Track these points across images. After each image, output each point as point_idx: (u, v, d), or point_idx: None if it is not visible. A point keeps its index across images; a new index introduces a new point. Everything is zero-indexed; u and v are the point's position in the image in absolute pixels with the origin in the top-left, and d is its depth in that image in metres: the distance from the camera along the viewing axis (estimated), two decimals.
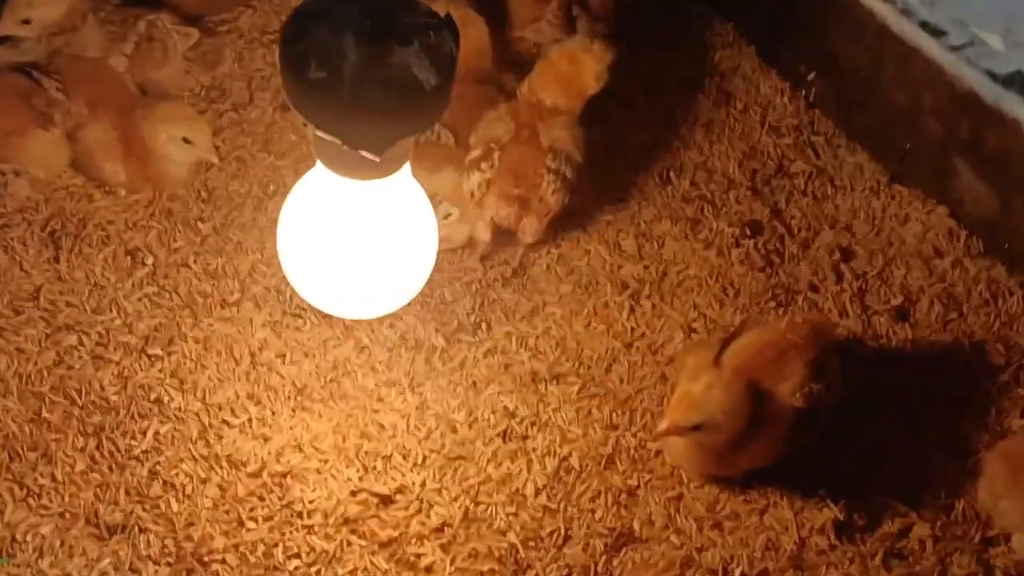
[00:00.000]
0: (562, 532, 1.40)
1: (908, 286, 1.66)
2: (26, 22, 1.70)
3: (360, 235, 1.28)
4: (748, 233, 1.71)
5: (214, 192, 1.69)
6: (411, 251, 1.33)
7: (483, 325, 1.59)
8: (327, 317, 1.55)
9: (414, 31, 1.10)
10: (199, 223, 1.66)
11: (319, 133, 1.12)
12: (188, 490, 1.39)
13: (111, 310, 1.55)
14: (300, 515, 1.38)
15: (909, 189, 1.77)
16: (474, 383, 1.53)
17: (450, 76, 1.14)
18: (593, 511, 1.42)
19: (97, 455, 1.41)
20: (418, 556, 1.36)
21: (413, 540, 1.37)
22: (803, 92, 1.89)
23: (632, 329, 1.60)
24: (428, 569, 1.35)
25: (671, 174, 1.78)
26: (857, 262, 1.69)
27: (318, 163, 1.26)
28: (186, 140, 1.64)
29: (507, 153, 1.59)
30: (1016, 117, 1.59)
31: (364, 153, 1.11)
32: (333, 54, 1.08)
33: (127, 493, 1.38)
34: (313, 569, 1.34)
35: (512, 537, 1.39)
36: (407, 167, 1.27)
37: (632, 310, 1.62)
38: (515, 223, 1.61)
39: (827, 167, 1.81)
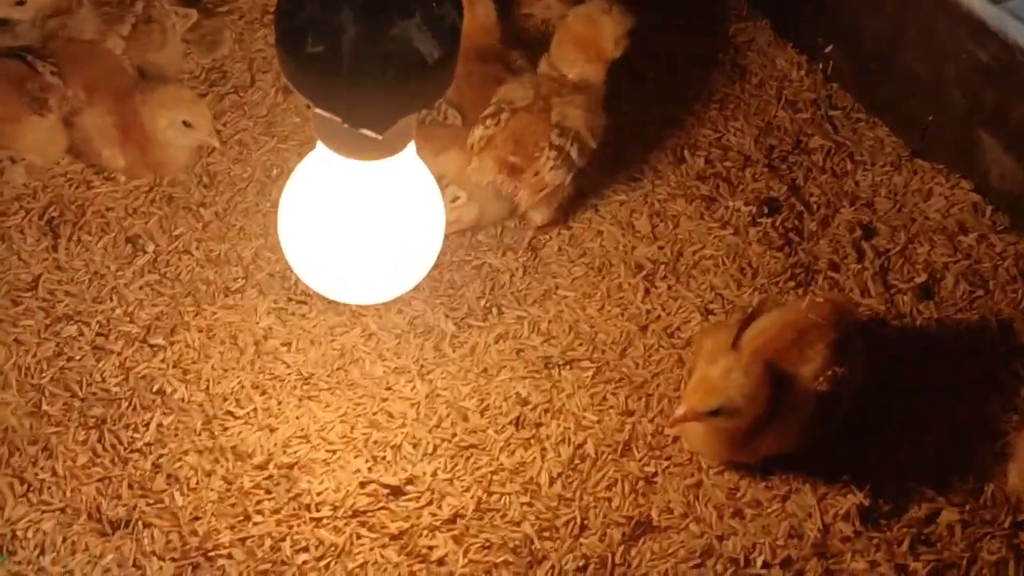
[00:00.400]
0: (578, 522, 1.36)
1: (932, 263, 1.61)
2: (20, 4, 1.66)
3: (364, 218, 1.23)
4: (766, 211, 1.66)
5: (216, 177, 1.65)
6: (417, 234, 1.29)
7: (494, 310, 1.55)
8: (333, 304, 1.51)
9: (415, 2, 1.05)
10: (201, 209, 1.62)
11: (318, 111, 1.08)
12: (193, 483, 1.35)
13: (112, 299, 1.51)
14: (308, 508, 1.34)
15: (932, 164, 1.72)
16: (485, 369, 1.49)
17: (454, 49, 1.09)
18: (610, 500, 1.38)
19: (99, 448, 1.37)
20: (430, 548, 1.32)
21: (424, 532, 1.33)
22: (820, 65, 1.84)
23: (647, 312, 1.55)
24: (440, 561, 1.31)
25: (685, 152, 1.73)
26: (879, 239, 1.64)
27: (319, 144, 1.21)
28: (186, 124, 1.60)
29: (515, 119, 1.55)
30: None
31: (365, 131, 1.06)
32: (330, 28, 1.03)
33: (130, 487, 1.34)
34: (322, 563, 1.30)
35: (527, 528, 1.35)
36: (411, 147, 1.22)
37: (647, 292, 1.57)
38: (512, 192, 1.56)
39: (846, 142, 1.76)
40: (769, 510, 1.38)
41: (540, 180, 1.55)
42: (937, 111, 1.70)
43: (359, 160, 1.17)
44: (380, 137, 1.08)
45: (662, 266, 1.60)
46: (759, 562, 1.33)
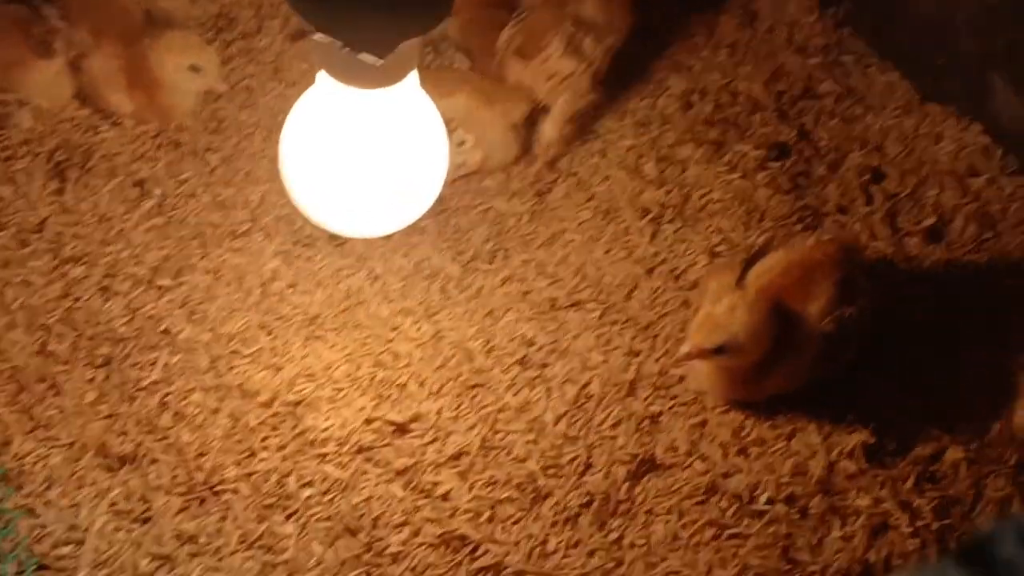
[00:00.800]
0: (583, 460, 1.36)
1: (941, 206, 1.60)
2: None
3: (365, 148, 1.23)
4: (774, 156, 1.65)
5: (223, 122, 1.65)
6: (420, 164, 1.28)
7: (500, 253, 1.54)
8: (339, 246, 1.51)
9: None
10: (208, 154, 1.62)
11: (318, 36, 1.07)
12: (199, 420, 1.36)
13: (118, 241, 1.51)
14: (313, 444, 1.35)
15: (942, 107, 1.70)
16: (491, 311, 1.49)
17: None
18: (614, 438, 1.38)
19: (106, 386, 1.38)
20: (435, 484, 1.32)
21: (429, 468, 1.34)
22: (831, 10, 1.82)
23: (654, 254, 1.55)
24: (445, 497, 1.32)
25: (693, 97, 1.72)
26: (888, 183, 1.63)
27: (320, 74, 1.21)
28: (194, 69, 1.60)
29: (533, 13, 1.57)
30: None
31: (365, 56, 1.06)
32: None
33: (137, 424, 1.35)
34: (327, 497, 1.31)
35: (531, 465, 1.35)
36: (414, 77, 1.21)
37: (654, 235, 1.57)
38: (528, 86, 1.60)
39: (857, 87, 1.74)
40: (774, 448, 1.37)
41: (548, 67, 1.56)
42: (948, 55, 1.68)
43: (360, 88, 1.16)
44: (381, 62, 1.07)
45: (669, 210, 1.59)
46: (763, 499, 1.33)
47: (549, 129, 1.61)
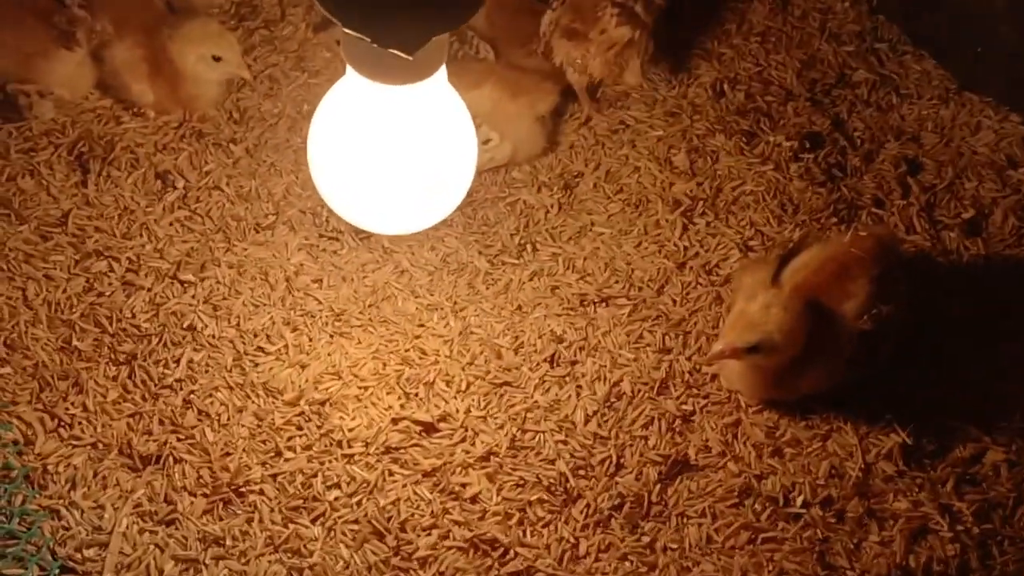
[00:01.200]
0: (614, 460, 1.33)
1: (980, 198, 1.57)
2: None
3: (393, 144, 1.20)
4: (807, 146, 1.62)
5: (246, 113, 1.62)
6: (448, 161, 1.25)
7: (528, 247, 1.52)
8: (365, 240, 1.49)
9: None
10: (231, 145, 1.59)
11: (347, 31, 1.04)
12: (224, 419, 1.34)
13: (142, 235, 1.49)
14: (340, 444, 1.33)
15: (980, 96, 1.66)
16: (519, 307, 1.46)
17: None
18: (646, 438, 1.35)
19: (129, 384, 1.36)
20: (463, 485, 1.30)
21: (458, 469, 1.31)
22: None
23: (685, 248, 1.52)
24: (474, 499, 1.30)
25: (725, 86, 1.69)
26: (925, 174, 1.59)
27: (348, 69, 1.18)
28: (216, 58, 1.57)
29: None
30: None
31: (395, 51, 1.03)
32: None
33: (161, 423, 1.33)
34: (354, 499, 1.29)
35: (561, 466, 1.33)
36: (443, 73, 1.18)
37: (685, 228, 1.53)
38: (582, 65, 1.59)
39: (892, 75, 1.70)
40: (809, 449, 1.35)
41: (607, 38, 1.55)
42: (986, 42, 1.64)
43: (388, 84, 1.13)
44: (410, 58, 1.04)
45: (700, 202, 1.56)
46: (799, 501, 1.31)
47: (630, 81, 1.63)
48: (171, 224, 1.51)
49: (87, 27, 1.57)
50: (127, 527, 1.25)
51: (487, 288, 1.48)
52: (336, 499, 1.29)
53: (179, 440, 1.32)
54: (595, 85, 1.62)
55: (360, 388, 1.37)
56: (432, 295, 1.46)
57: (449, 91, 1.22)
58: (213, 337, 1.40)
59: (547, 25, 1.58)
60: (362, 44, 1.05)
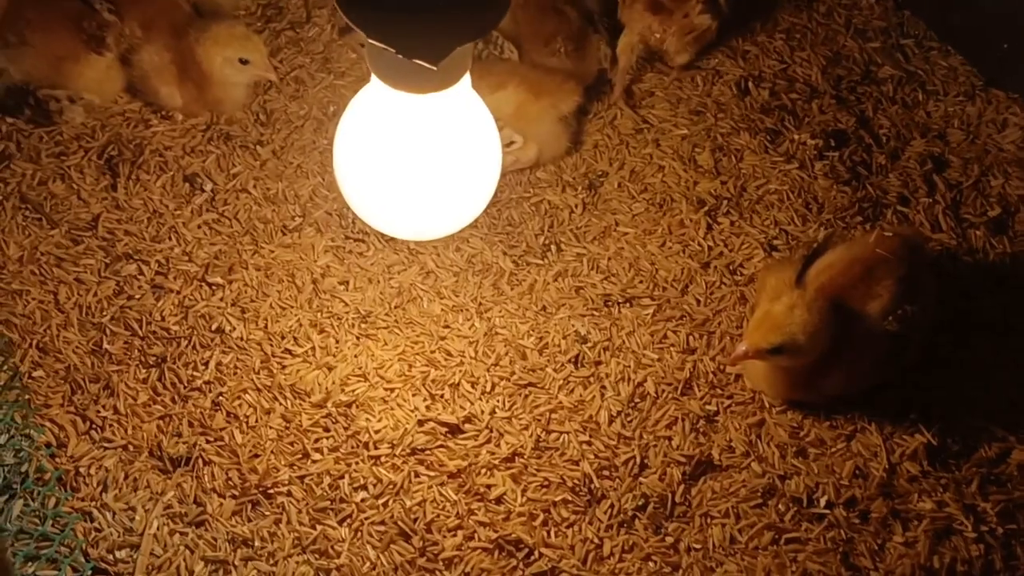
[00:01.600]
0: (638, 461, 1.34)
1: (1007, 196, 1.56)
2: None
3: (419, 152, 1.21)
4: (832, 144, 1.61)
5: (273, 115, 1.64)
6: (473, 168, 1.26)
7: (552, 247, 1.52)
8: (391, 241, 1.50)
9: None
10: (258, 147, 1.61)
11: (372, 42, 1.05)
12: (252, 421, 1.36)
13: (170, 238, 1.51)
14: (366, 445, 1.34)
15: (1007, 93, 1.65)
16: (544, 307, 1.47)
17: None
18: (670, 439, 1.36)
19: (159, 386, 1.38)
20: (488, 487, 1.32)
21: (483, 470, 1.33)
22: None
23: (709, 248, 1.52)
24: (499, 500, 1.31)
25: (749, 84, 1.69)
26: (951, 172, 1.59)
27: (373, 78, 1.19)
28: (243, 61, 1.58)
29: None
30: None
31: (419, 62, 1.04)
32: None
33: (190, 425, 1.35)
34: (380, 501, 1.30)
35: (586, 466, 1.33)
36: (467, 80, 1.19)
37: (709, 228, 1.54)
38: (659, 39, 1.66)
39: (918, 72, 1.70)
40: (833, 449, 1.35)
41: (689, 22, 1.62)
42: (1013, 38, 1.63)
43: (413, 93, 1.14)
44: (435, 68, 1.05)
45: (725, 201, 1.56)
46: (823, 502, 1.31)
47: (680, 60, 1.69)
48: (199, 227, 1.52)
49: (116, 31, 1.60)
50: (158, 528, 1.27)
51: (512, 289, 1.49)
52: (363, 500, 1.30)
53: (208, 442, 1.34)
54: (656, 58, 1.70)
55: (386, 390, 1.39)
56: (457, 296, 1.47)
57: (473, 97, 1.23)
58: (241, 339, 1.42)
59: None
60: (386, 53, 1.06)
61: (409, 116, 1.18)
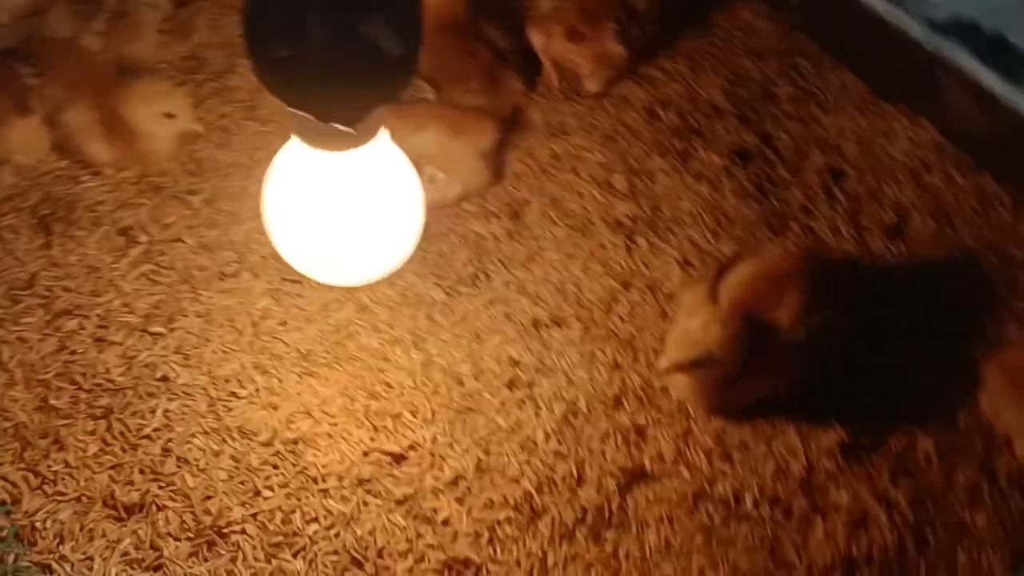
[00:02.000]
0: (574, 475, 1.42)
1: (900, 203, 1.66)
2: None
3: (342, 204, 1.27)
4: (738, 161, 1.71)
5: (202, 164, 1.69)
6: (397, 216, 1.33)
7: (481, 276, 1.59)
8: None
9: (378, 2, 1.08)
10: (189, 196, 1.66)
11: (290, 109, 1.12)
12: (202, 464, 1.41)
13: (109, 291, 1.55)
14: (315, 480, 1.40)
15: (894, 106, 1.76)
16: (477, 335, 1.54)
17: (417, 44, 1.12)
18: (604, 452, 1.44)
19: (108, 437, 1.42)
20: (435, 511, 1.38)
21: (428, 495, 1.39)
22: (783, 16, 1.87)
23: (630, 268, 1.60)
24: (445, 522, 1.37)
25: (657, 108, 1.77)
26: (848, 182, 1.69)
27: (293, 137, 1.25)
28: (169, 115, 1.63)
29: None
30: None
31: (337, 126, 1.10)
32: (298, 31, 1.06)
33: (142, 472, 1.40)
34: (332, 531, 1.36)
35: (526, 484, 1.41)
36: (383, 133, 1.26)
37: (628, 249, 1.62)
38: (573, 63, 1.74)
39: (813, 89, 1.80)
40: (756, 452, 1.44)
41: (603, 49, 1.71)
42: (899, 54, 1.74)
43: (333, 151, 1.21)
44: (352, 131, 1.12)
45: (641, 223, 1.65)
46: (749, 501, 1.40)
47: (591, 87, 1.77)
48: (137, 278, 1.57)
49: (40, 93, 1.63)
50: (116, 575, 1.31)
51: (445, 319, 1.55)
52: (315, 532, 1.36)
53: (160, 488, 1.38)
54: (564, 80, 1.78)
55: (331, 424, 1.44)
56: (393, 329, 1.54)
57: (390, 148, 1.29)
58: (186, 386, 1.47)
59: (546, 11, 1.76)
60: (304, 118, 1.12)
61: (329, 171, 1.24)
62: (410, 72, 1.15)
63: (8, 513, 1.35)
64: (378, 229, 1.30)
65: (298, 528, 1.36)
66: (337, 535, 1.36)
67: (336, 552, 1.34)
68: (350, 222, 1.28)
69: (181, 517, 1.36)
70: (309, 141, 1.18)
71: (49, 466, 1.39)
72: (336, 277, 1.43)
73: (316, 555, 1.34)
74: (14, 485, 1.37)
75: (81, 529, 1.35)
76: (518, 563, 1.35)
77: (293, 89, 1.09)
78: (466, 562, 1.35)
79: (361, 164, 1.21)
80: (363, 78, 1.08)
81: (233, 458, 1.41)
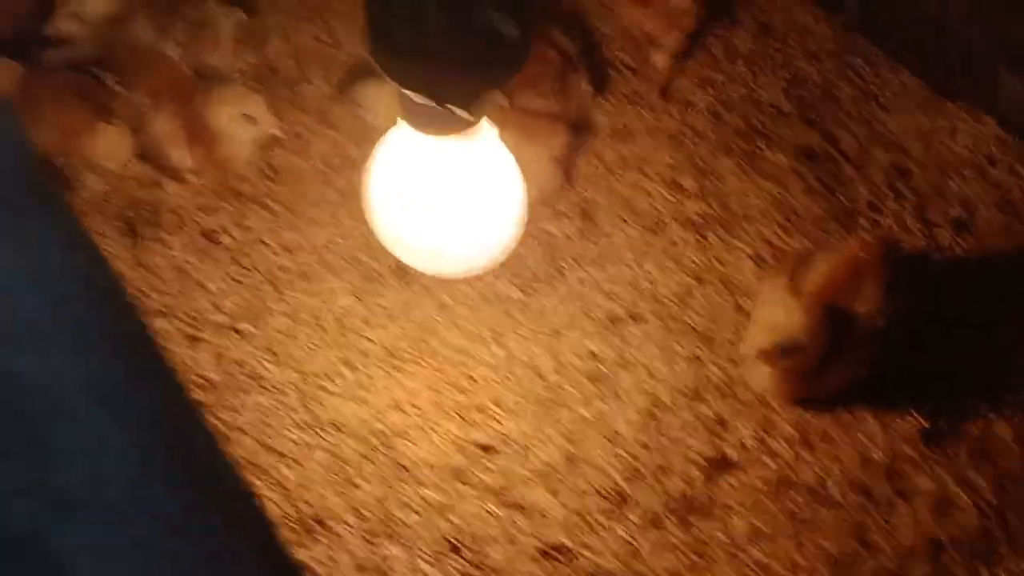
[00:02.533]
0: (660, 465, 1.45)
1: (966, 197, 1.70)
2: (78, 18, 1.73)
3: (451, 192, 1.31)
4: (804, 160, 1.75)
5: (279, 170, 1.73)
6: (503, 205, 1.37)
7: (556, 273, 1.63)
8: (405, 281, 1.60)
9: None
10: (269, 200, 1.70)
11: (406, 92, 1.16)
12: (296, 456, 1.44)
13: (196, 292, 1.59)
14: (408, 470, 1.43)
15: (954, 102, 1.80)
16: (556, 330, 1.58)
17: (531, 27, 1.17)
18: (687, 442, 1.47)
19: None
20: (527, 499, 1.42)
21: (519, 484, 1.43)
22: (838, 16, 1.91)
23: (703, 264, 1.64)
24: (538, 510, 1.41)
25: (721, 110, 1.81)
26: (913, 179, 1.73)
27: (401, 123, 1.29)
28: (248, 118, 1.68)
29: None
30: None
31: (452, 108, 1.15)
32: (417, 17, 1.11)
33: (238, 464, 1.43)
34: (428, 519, 1.39)
35: (613, 473, 1.44)
36: (485, 123, 1.30)
37: (700, 246, 1.66)
38: (644, 30, 1.81)
39: (872, 89, 1.84)
40: (837, 440, 1.47)
41: (670, 6, 1.78)
42: (957, 50, 1.77)
43: (443, 137, 1.25)
44: (468, 114, 1.16)
45: (711, 220, 1.68)
46: (833, 488, 1.43)
47: (661, 60, 1.81)
48: (223, 279, 1.61)
49: (125, 101, 1.68)
50: None
51: (523, 315, 1.59)
52: (412, 520, 1.39)
53: (258, 479, 1.42)
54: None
55: (420, 417, 1.48)
56: (474, 326, 1.57)
57: (495, 137, 1.33)
58: (278, 381, 1.51)
59: None
60: (418, 102, 1.17)
61: (438, 157, 1.29)
62: (524, 56, 1.19)
63: None
64: (485, 218, 1.34)
65: (395, 516, 1.40)
66: (433, 523, 1.39)
67: (433, 539, 1.38)
68: (458, 209, 1.32)
69: (280, 507, 1.40)
70: (420, 126, 1.22)
71: None
72: (442, 266, 1.47)
73: (414, 542, 1.38)
74: None
75: None
76: (610, 548, 1.38)
77: (411, 72, 1.13)
78: (560, 548, 1.38)
79: (468, 151, 1.25)
80: (479, 61, 1.12)
81: (327, 451, 1.45)
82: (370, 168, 1.39)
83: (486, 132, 1.27)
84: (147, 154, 1.71)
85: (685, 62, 1.83)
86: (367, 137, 1.73)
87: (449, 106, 1.15)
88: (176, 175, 1.71)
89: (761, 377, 1.49)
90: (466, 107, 1.16)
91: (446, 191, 1.31)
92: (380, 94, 1.72)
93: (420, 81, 1.14)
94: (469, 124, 1.21)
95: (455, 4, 1.10)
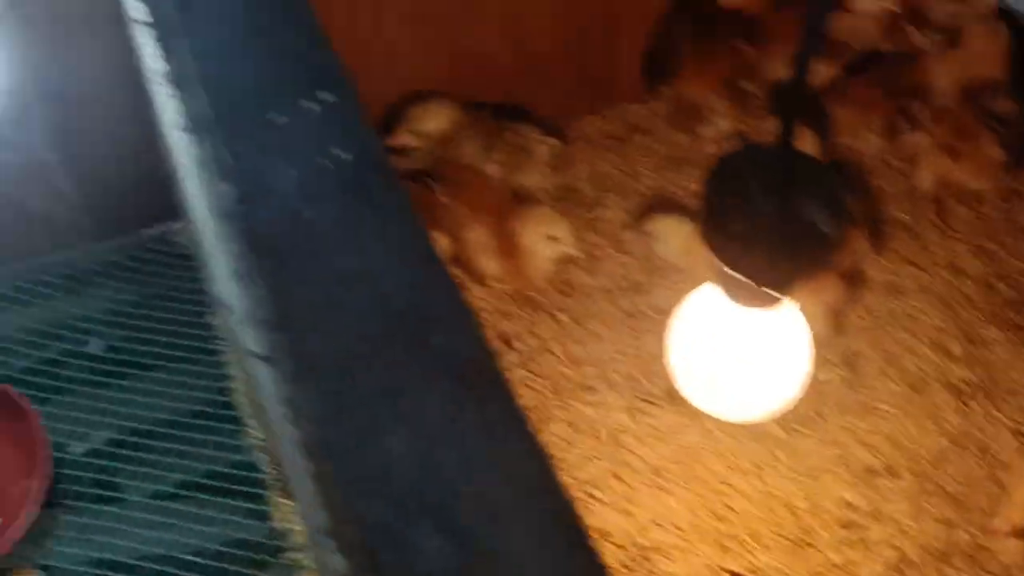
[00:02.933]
0: None
1: None
2: (415, 134, 1.98)
3: (750, 354, 1.45)
4: None
5: (572, 285, 1.91)
6: (793, 366, 1.49)
7: (818, 418, 1.74)
8: (676, 404, 1.74)
9: (817, 188, 1.27)
10: (559, 313, 1.88)
11: (732, 273, 1.31)
12: None
13: None
14: None
15: None
16: (813, 473, 1.68)
17: (845, 224, 1.30)
18: None
19: None
20: None
21: None
22: None
23: (963, 431, 1.71)
24: None
25: (994, 281, 1.88)
26: None
27: (710, 288, 1.44)
28: (553, 238, 1.87)
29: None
30: None
31: (768, 291, 1.28)
32: (750, 211, 1.26)
33: None
34: None
35: None
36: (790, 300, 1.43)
37: (962, 412, 1.73)
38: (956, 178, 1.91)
39: None
40: None
41: (982, 156, 1.88)
42: None
43: (751, 308, 1.39)
44: (781, 297, 1.30)
45: (976, 388, 1.75)
46: None
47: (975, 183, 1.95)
48: (514, 381, 1.79)
49: (448, 210, 1.90)
50: None
51: (783, 453, 1.70)
52: None
53: None
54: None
55: (679, 538, 1.61)
56: (736, 457, 1.70)
57: (794, 308, 1.46)
58: None
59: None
60: (739, 280, 1.31)
61: (744, 324, 1.42)
62: (837, 248, 1.32)
63: None
64: (772, 378, 1.47)
65: None
66: None
67: None
68: (751, 368, 1.46)
69: None
70: (733, 297, 1.36)
71: None
72: (723, 410, 1.60)
73: None
74: None
75: None
76: None
77: (739, 257, 1.28)
78: None
79: (770, 320, 1.39)
80: (799, 252, 1.26)
81: None
82: (678, 313, 1.54)
83: (787, 305, 1.40)
84: (459, 259, 1.92)
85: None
86: (655, 266, 1.90)
87: (764, 288, 1.29)
88: (481, 280, 1.91)
89: (1013, 552, 1.55)
90: (781, 290, 1.30)
91: (744, 350, 1.44)
92: (672, 229, 1.89)
93: (743, 264, 1.29)
94: (776, 301, 1.35)
95: (784, 202, 1.25)
